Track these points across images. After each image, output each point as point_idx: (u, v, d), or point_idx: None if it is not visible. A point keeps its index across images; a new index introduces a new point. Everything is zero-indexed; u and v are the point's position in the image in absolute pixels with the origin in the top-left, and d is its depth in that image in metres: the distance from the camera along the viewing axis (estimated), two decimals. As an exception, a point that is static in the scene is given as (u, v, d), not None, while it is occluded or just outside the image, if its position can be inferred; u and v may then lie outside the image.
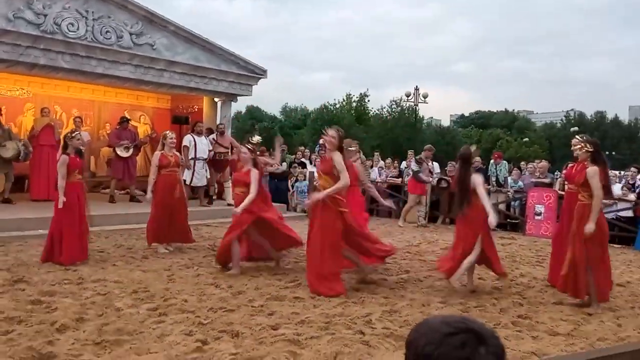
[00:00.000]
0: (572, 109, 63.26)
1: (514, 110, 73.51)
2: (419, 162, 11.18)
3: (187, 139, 10.77)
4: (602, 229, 5.17)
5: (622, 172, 12.17)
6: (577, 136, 5.97)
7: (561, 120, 61.26)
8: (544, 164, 11.84)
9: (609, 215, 9.64)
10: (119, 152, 10.78)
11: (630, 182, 10.57)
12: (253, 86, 13.24)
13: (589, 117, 57.87)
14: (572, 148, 5.94)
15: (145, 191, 11.41)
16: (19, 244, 7.18)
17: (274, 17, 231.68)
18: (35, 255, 6.45)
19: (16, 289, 5.01)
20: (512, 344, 4.03)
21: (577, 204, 5.31)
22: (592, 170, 5.12)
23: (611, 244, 9.31)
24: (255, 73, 13.02)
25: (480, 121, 66.63)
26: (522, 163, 14.06)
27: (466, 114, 76.17)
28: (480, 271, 6.77)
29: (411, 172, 11.33)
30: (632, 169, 10.98)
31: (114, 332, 3.92)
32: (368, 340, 4.00)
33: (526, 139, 52.54)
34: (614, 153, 41.08)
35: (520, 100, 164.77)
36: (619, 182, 10.60)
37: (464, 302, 5.25)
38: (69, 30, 9.94)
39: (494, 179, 12.12)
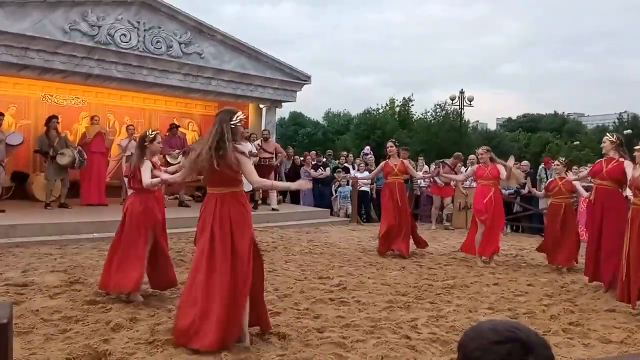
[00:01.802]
0: (625, 111, 60.98)
1: (563, 112, 71.54)
2: (437, 165, 11.34)
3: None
4: None
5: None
6: (607, 134, 6.28)
7: (614, 122, 59.13)
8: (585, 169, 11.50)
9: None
10: (169, 159, 11.07)
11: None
12: (297, 92, 13.39)
13: (644, 119, 55.64)
14: (601, 145, 6.24)
15: (193, 196, 11.76)
16: (75, 246, 7.49)
17: (316, 20, 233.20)
18: (91, 258, 6.72)
19: (73, 289, 5.22)
20: (562, 352, 3.94)
21: (631, 208, 5.15)
22: None
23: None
24: (299, 79, 13.18)
25: (528, 124, 65.04)
26: (575, 167, 13.66)
27: (513, 117, 74.52)
28: (529, 277, 6.65)
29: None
30: None
31: (166, 332, 4.04)
32: (414, 345, 3.99)
33: (577, 142, 50.90)
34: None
35: (570, 102, 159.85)
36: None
37: (513, 308, 5.16)
38: (122, 41, 10.33)
39: (544, 183, 11.82)
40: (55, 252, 7.01)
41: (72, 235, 8.03)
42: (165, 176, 4.71)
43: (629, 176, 5.37)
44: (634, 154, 5.34)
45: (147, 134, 5.08)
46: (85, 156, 10.22)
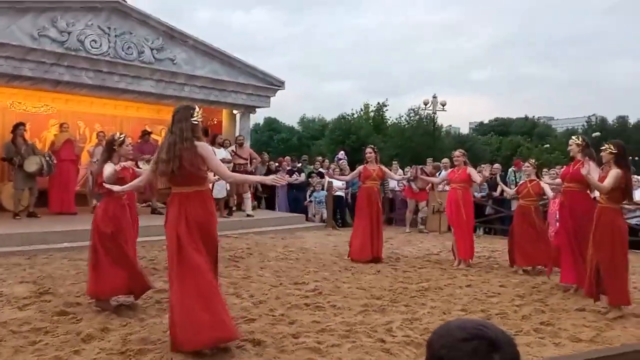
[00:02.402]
0: (593, 114, 62.47)
1: (534, 116, 72.93)
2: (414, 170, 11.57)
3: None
4: (622, 232, 5.11)
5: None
6: (572, 137, 6.30)
7: (583, 125, 60.50)
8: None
9: (633, 222, 9.51)
10: (140, 166, 10.94)
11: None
12: (271, 98, 13.38)
13: (611, 122, 57.07)
14: (568, 149, 6.28)
15: (165, 204, 11.62)
16: (45, 256, 7.33)
17: (291, 27, 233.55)
18: (61, 268, 6.59)
19: (42, 300, 5.12)
20: (534, 351, 4.01)
21: (597, 207, 5.28)
22: (615, 172, 5.05)
23: (635, 250, 9.20)
24: (273, 85, 13.17)
25: (499, 128, 66.13)
26: (545, 170, 13.92)
27: (485, 121, 75.69)
28: (501, 279, 6.75)
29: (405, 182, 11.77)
30: None
31: (139, 342, 3.99)
32: (389, 348, 4.01)
33: (547, 145, 51.95)
34: (637, 158, 40.32)
35: (540, 106, 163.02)
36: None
37: (486, 309, 5.23)
38: (92, 47, 10.18)
39: (513, 186, 12.03)
40: (24, 263, 6.86)
41: (41, 245, 7.86)
42: (127, 187, 4.62)
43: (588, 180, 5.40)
44: (601, 154, 5.45)
45: (116, 137, 5.01)
46: (55, 162, 10.03)
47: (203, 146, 3.86)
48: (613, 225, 5.06)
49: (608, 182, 5.03)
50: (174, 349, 3.76)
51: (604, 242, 5.04)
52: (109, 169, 4.79)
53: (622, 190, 5.08)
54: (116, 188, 4.59)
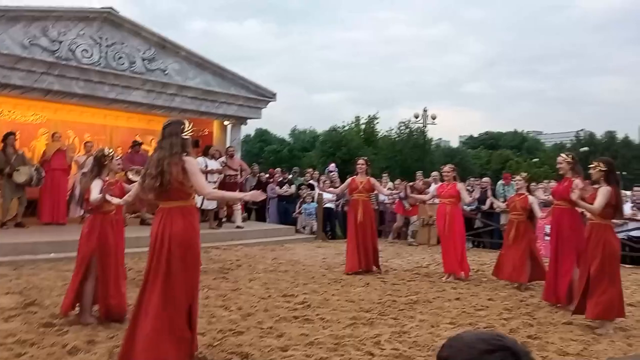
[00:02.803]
0: (582, 129, 63.09)
1: (523, 130, 73.55)
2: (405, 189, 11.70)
3: (200, 162, 10.88)
4: (614, 247, 5.15)
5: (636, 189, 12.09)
6: (561, 154, 6.31)
7: (571, 140, 61.10)
8: (554, 184, 11.82)
9: (620, 236, 9.59)
10: (130, 176, 10.89)
11: (638, 201, 10.50)
12: (262, 109, 13.41)
13: (599, 137, 57.67)
14: (557, 166, 6.28)
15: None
16: (32, 267, 7.26)
17: (283, 38, 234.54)
18: (47, 279, 6.52)
19: (28, 312, 5.06)
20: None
21: (587, 224, 5.32)
22: (605, 190, 5.09)
23: (622, 264, 9.27)
24: (264, 96, 13.21)
25: (489, 142, 66.65)
26: (533, 184, 14.02)
27: (475, 135, 76.25)
28: (489, 292, 6.77)
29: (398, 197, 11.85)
30: (636, 188, 10.91)
31: (125, 354, 3.95)
32: (377, 361, 4.01)
33: (536, 160, 52.37)
34: (624, 173, 40.78)
35: (529, 120, 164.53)
36: (630, 202, 10.53)
37: (474, 322, 5.24)
38: (83, 57, 10.18)
39: (502, 199, 12.10)
40: (11, 273, 6.78)
41: (28, 255, 7.79)
42: (116, 201, 4.59)
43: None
44: (589, 171, 5.48)
45: (105, 152, 4.99)
46: (44, 174, 9.96)
47: (190, 161, 3.84)
48: (605, 241, 5.09)
49: (598, 201, 5.06)
50: None
51: (595, 257, 5.07)
52: (96, 190, 4.75)
53: (613, 207, 5.12)
54: (115, 201, 4.58)
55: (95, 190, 4.74)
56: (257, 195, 4.14)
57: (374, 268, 8.04)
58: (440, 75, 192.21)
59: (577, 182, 5.69)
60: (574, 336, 4.88)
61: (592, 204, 5.15)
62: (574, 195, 5.18)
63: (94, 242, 4.78)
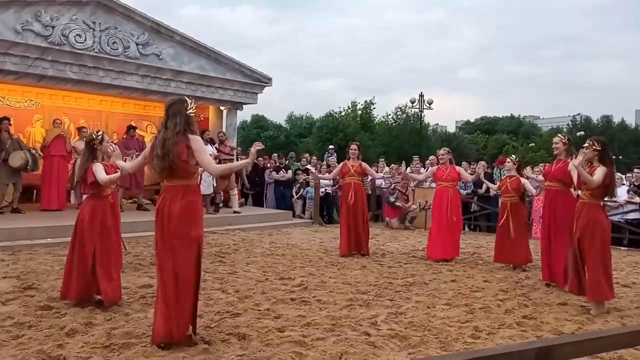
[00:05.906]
0: (578, 114, 63.02)
1: (519, 115, 73.48)
2: (392, 192, 11.89)
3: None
4: (604, 227, 5.16)
5: (628, 175, 12.14)
6: (558, 134, 6.39)
7: (567, 124, 61.05)
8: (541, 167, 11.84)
9: (615, 218, 9.64)
10: (125, 162, 10.87)
11: (636, 183, 10.54)
12: (258, 94, 13.36)
13: (596, 122, 57.63)
14: (553, 146, 6.32)
15: (152, 200, 11.55)
16: (29, 252, 7.26)
17: (278, 25, 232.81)
18: (44, 263, 6.53)
19: (26, 295, 5.08)
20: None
21: (578, 203, 5.33)
22: (603, 169, 5.08)
23: (618, 247, 9.34)
24: (260, 81, 13.14)
25: (486, 127, 66.64)
26: (528, 167, 14.02)
27: (472, 120, 76.21)
28: (485, 274, 6.81)
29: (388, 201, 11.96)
30: (636, 170, 10.95)
31: (123, 336, 3.97)
32: (373, 341, 4.04)
33: (532, 144, 52.42)
34: (620, 157, 40.86)
35: (526, 105, 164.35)
36: (626, 185, 10.57)
37: (470, 303, 5.27)
38: (77, 42, 10.09)
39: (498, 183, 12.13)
40: (8, 258, 6.78)
41: (25, 240, 7.79)
42: (122, 163, 4.60)
43: (573, 176, 5.43)
44: (584, 150, 5.43)
45: (94, 135, 4.98)
46: (40, 155, 9.92)
47: (195, 139, 3.83)
48: (595, 220, 5.10)
49: (598, 176, 5.03)
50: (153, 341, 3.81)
51: (585, 237, 5.09)
52: (101, 172, 4.75)
53: (605, 187, 5.12)
54: (122, 164, 4.57)
55: (101, 172, 4.74)
56: (257, 145, 4.22)
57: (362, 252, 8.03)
58: (436, 61, 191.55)
59: (601, 170, 5.61)
60: (569, 316, 4.92)
61: (558, 177, 5.24)
62: (576, 161, 5.10)
63: (97, 227, 4.79)
